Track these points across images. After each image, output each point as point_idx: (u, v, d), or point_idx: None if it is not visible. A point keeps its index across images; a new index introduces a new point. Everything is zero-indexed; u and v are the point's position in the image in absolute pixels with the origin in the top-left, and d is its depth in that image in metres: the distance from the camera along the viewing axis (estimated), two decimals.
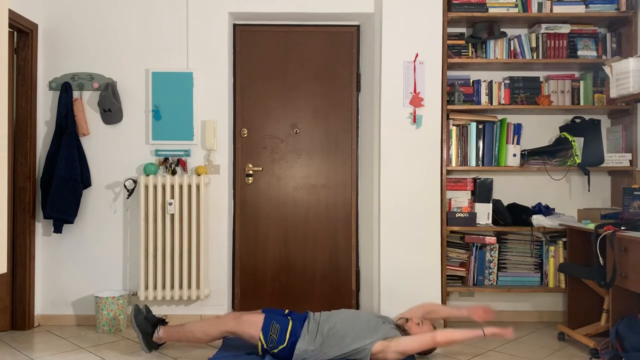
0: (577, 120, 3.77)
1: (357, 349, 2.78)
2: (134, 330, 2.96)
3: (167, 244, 3.54)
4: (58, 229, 3.53)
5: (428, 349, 2.92)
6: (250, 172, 3.85)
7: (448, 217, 3.59)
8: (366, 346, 2.77)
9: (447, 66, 3.60)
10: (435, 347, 2.94)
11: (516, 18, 3.64)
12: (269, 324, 2.81)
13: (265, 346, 2.79)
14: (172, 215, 3.55)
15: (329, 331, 2.83)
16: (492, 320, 3.18)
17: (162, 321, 3.08)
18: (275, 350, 2.79)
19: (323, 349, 2.80)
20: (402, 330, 2.97)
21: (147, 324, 2.98)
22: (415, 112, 3.56)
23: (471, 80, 3.78)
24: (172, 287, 3.57)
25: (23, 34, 3.51)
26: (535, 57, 3.68)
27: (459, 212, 3.61)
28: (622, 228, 2.90)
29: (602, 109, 3.67)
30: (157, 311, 3.64)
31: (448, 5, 3.59)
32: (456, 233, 3.75)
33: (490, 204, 3.67)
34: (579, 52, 3.67)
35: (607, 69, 3.38)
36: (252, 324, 2.82)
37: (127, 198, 3.65)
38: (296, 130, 3.87)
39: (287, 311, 3.07)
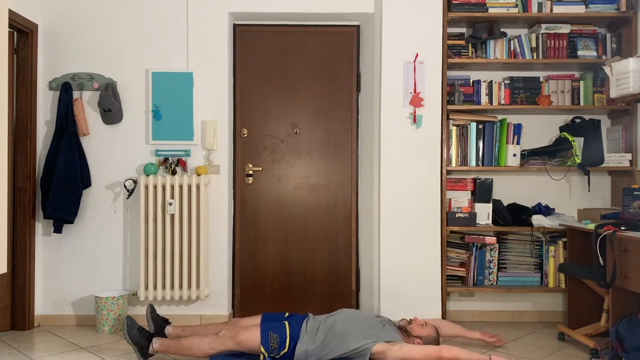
0: (577, 120, 3.78)
1: (357, 349, 2.75)
2: (129, 344, 2.87)
3: (167, 244, 3.54)
4: (58, 229, 3.53)
5: None
6: (250, 172, 3.85)
7: (448, 217, 3.59)
8: (367, 346, 2.73)
9: (447, 66, 3.60)
10: None
11: (516, 18, 3.64)
12: (266, 335, 2.78)
13: (267, 356, 2.77)
14: (172, 215, 3.55)
15: (330, 329, 2.81)
16: (500, 346, 3.16)
17: (164, 323, 3.07)
18: (278, 356, 2.78)
19: (324, 349, 2.79)
20: (404, 331, 2.92)
21: (142, 338, 2.87)
22: (415, 112, 3.56)
23: (471, 80, 3.78)
24: (172, 287, 3.57)
25: (23, 34, 3.51)
26: (535, 57, 3.68)
27: (459, 212, 3.61)
28: (622, 228, 2.90)
29: (602, 109, 3.67)
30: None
31: (448, 5, 3.59)
32: (456, 233, 3.75)
33: (490, 204, 3.67)
34: (579, 52, 3.67)
35: (607, 69, 3.37)
36: (250, 341, 2.77)
37: (127, 198, 3.65)
38: (296, 130, 3.87)
39: (287, 314, 3.03)
